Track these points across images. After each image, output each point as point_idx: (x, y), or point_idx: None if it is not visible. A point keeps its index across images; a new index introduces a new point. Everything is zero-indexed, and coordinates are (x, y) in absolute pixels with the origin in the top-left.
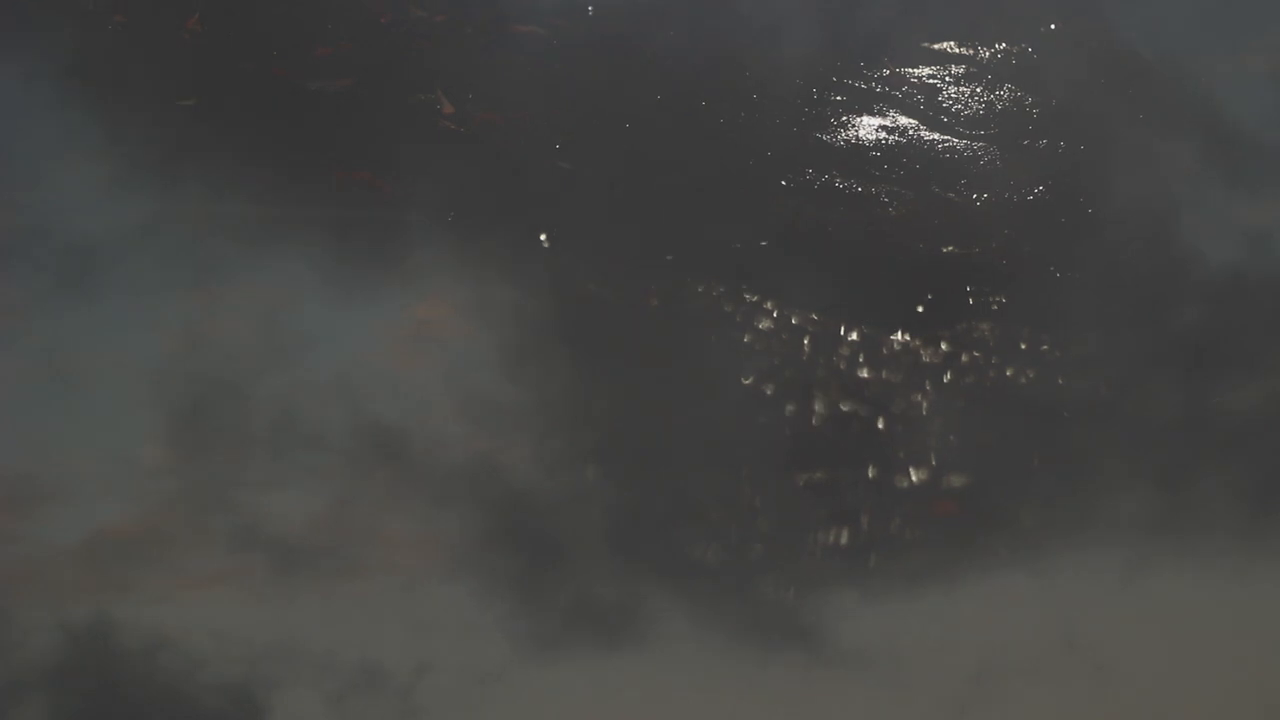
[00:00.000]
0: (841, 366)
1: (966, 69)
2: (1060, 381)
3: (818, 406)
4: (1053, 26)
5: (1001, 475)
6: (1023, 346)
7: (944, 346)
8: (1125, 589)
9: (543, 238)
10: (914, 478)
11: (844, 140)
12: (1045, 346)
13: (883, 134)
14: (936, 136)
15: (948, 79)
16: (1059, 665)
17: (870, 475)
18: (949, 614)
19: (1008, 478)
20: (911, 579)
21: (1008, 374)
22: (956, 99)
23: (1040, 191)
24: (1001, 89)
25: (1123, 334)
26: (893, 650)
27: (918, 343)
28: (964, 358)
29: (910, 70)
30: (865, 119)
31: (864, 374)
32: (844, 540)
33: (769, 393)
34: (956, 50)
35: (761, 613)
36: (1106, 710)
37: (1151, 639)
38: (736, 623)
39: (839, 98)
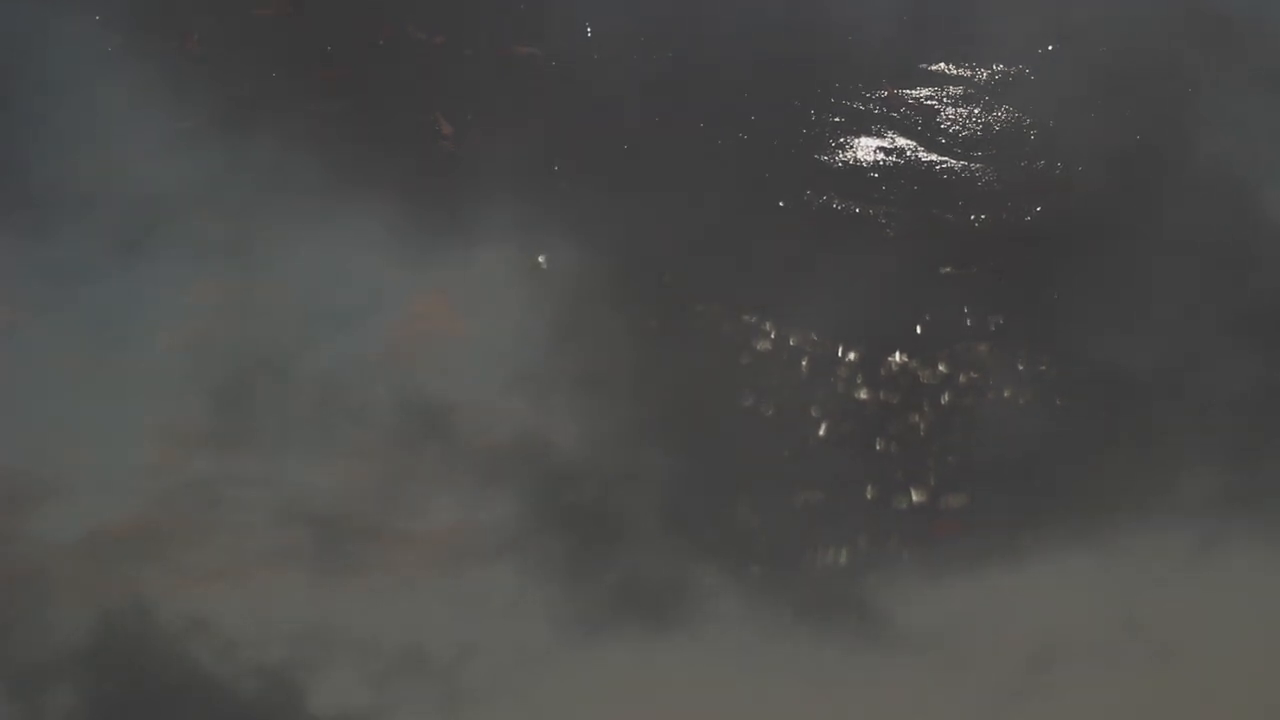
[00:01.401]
0: (838, 388)
1: (964, 90)
2: (1129, 360)
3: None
4: (1050, 48)
5: (1067, 453)
6: (1023, 368)
7: (941, 368)
8: (1193, 569)
9: (541, 259)
10: (977, 457)
11: (842, 161)
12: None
13: (880, 155)
14: (934, 158)
15: (945, 100)
16: (1121, 647)
17: (926, 455)
18: (1009, 594)
19: (1074, 455)
20: (972, 558)
21: (1071, 355)
22: (954, 120)
23: (1039, 211)
24: (999, 110)
25: (1193, 309)
26: (949, 632)
27: (915, 363)
28: (961, 378)
29: (908, 91)
30: (863, 140)
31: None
32: (900, 521)
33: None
34: (954, 71)
35: (815, 594)
36: (1169, 694)
37: (1219, 621)
38: (789, 604)
39: (837, 119)
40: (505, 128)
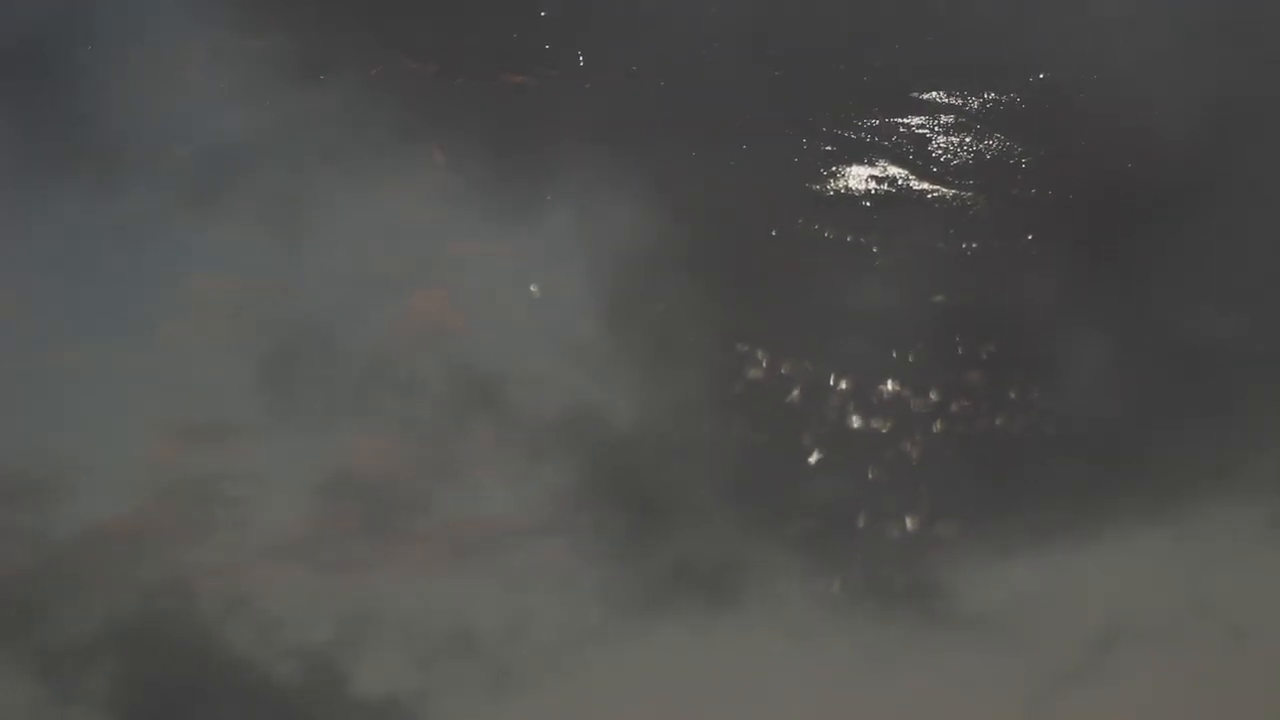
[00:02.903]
0: (832, 412)
1: (956, 119)
2: (1205, 333)
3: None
4: (1041, 76)
5: (1140, 429)
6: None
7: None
8: (1267, 548)
9: (534, 289)
10: (1048, 432)
11: (834, 190)
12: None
13: (872, 184)
14: (926, 186)
15: (937, 129)
16: (1190, 629)
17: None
18: (1074, 574)
19: (1146, 431)
20: (1039, 536)
21: (1157, 328)
22: (946, 149)
23: (1030, 240)
24: (990, 139)
25: (1266, 284)
26: (1013, 612)
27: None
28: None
29: (900, 120)
30: (855, 169)
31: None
32: (967, 496)
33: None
34: (946, 100)
35: (876, 572)
36: (1240, 678)
37: None
38: (850, 583)
39: (829, 148)
40: (498, 153)
